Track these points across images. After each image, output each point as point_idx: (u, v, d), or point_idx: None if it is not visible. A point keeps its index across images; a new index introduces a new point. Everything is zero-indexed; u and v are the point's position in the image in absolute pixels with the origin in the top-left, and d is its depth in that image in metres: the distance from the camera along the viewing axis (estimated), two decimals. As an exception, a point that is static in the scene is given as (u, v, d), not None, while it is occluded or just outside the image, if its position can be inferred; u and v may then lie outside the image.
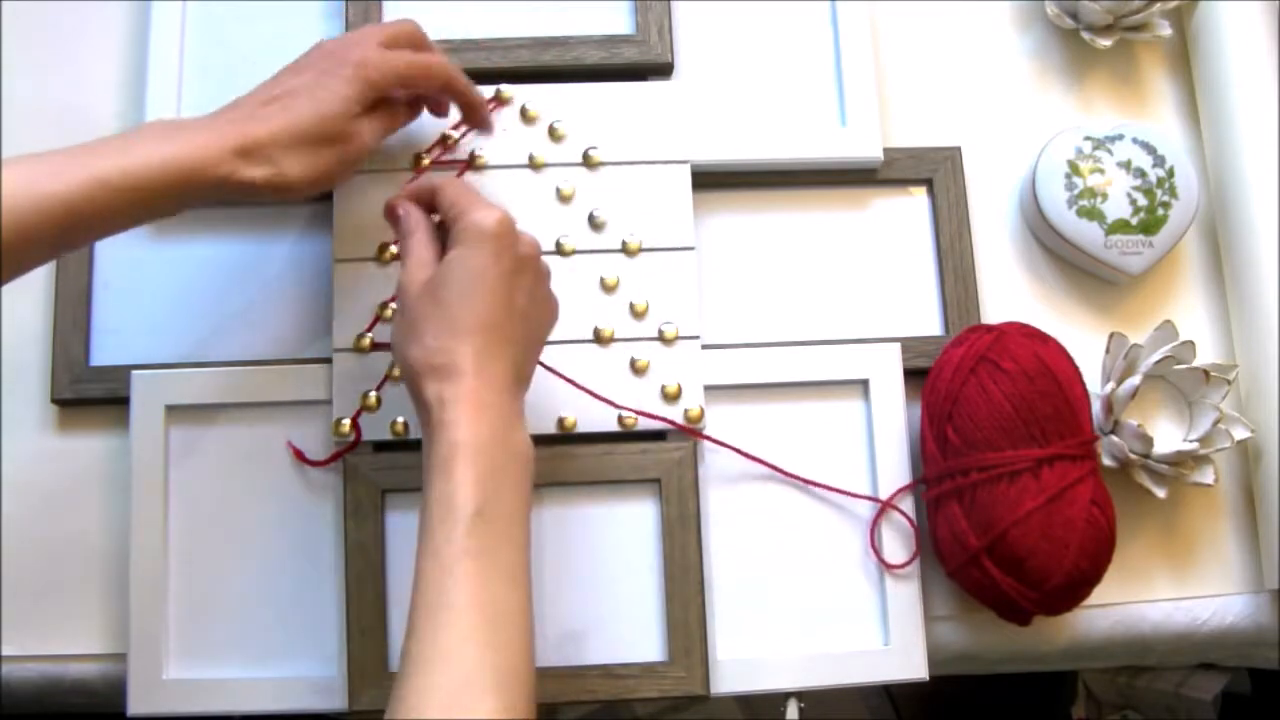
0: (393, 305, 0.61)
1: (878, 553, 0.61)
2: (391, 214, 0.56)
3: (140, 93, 0.66)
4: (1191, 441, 0.62)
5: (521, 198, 0.63)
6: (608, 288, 0.63)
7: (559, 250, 0.63)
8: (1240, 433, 0.62)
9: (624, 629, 0.60)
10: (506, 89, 0.65)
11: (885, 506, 0.62)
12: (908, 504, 0.62)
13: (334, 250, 0.62)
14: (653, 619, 0.60)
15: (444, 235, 0.53)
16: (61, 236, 0.49)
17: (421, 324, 0.50)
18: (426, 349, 0.49)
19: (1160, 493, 0.61)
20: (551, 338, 0.61)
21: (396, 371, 0.61)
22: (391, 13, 0.67)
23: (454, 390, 0.48)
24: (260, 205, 0.63)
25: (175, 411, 0.62)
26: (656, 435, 0.62)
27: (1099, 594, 0.59)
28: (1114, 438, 0.61)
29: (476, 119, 0.62)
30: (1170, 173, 0.66)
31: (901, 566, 0.61)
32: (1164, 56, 0.72)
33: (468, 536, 0.46)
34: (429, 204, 0.55)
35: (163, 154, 0.50)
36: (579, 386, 0.60)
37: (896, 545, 0.62)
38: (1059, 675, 1.08)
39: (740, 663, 0.60)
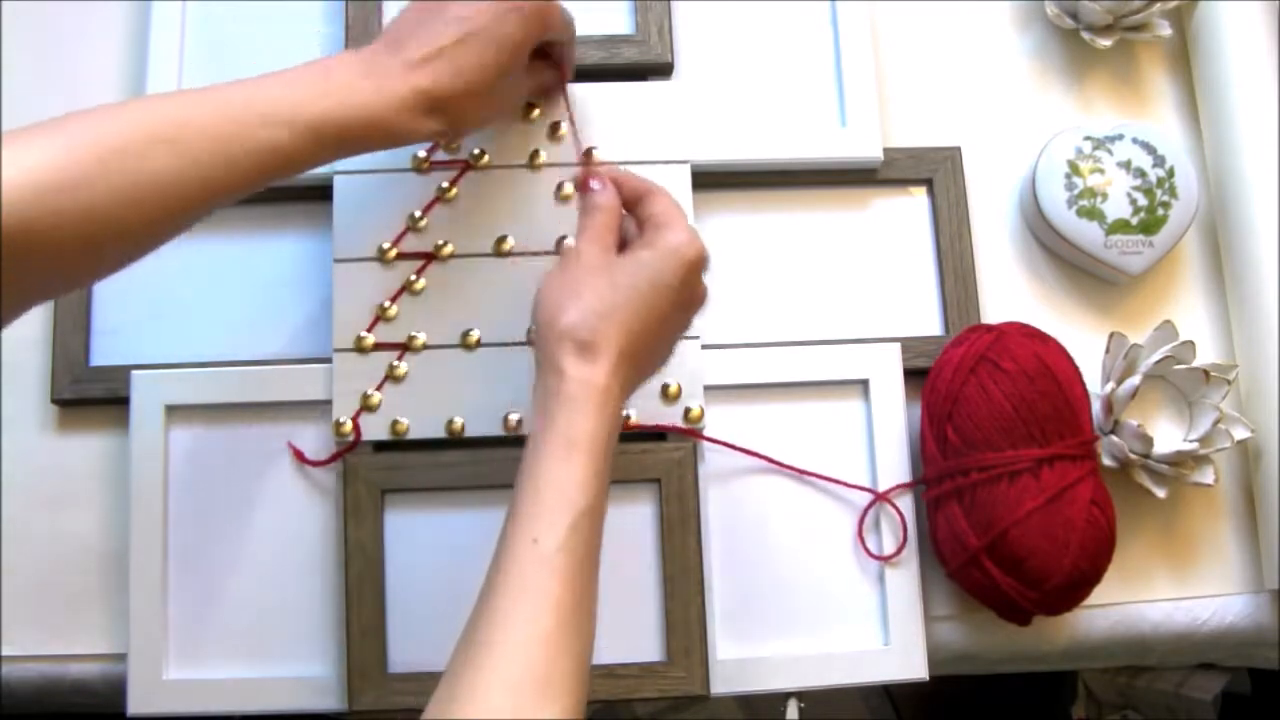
0: (393, 305, 0.61)
1: (864, 542, 0.61)
2: (586, 183, 0.55)
3: (140, 93, 0.66)
4: (1191, 441, 0.62)
5: (521, 198, 0.63)
6: (608, 288, 0.63)
7: (559, 250, 0.63)
8: (1240, 433, 0.62)
9: (624, 629, 0.60)
10: None
11: (879, 499, 0.62)
12: (906, 501, 0.62)
13: (334, 250, 0.62)
14: (652, 619, 0.60)
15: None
16: (269, 181, 0.50)
17: (588, 294, 0.50)
18: (583, 320, 0.49)
19: (1160, 493, 0.61)
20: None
21: (397, 371, 0.61)
22: (391, 13, 0.67)
23: (592, 373, 0.48)
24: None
25: (175, 411, 0.62)
26: (656, 435, 0.62)
27: (1099, 594, 0.59)
28: (1114, 438, 0.61)
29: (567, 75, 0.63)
30: (1170, 173, 0.66)
31: (888, 558, 0.61)
32: (1164, 56, 0.72)
33: (572, 532, 0.46)
34: (629, 200, 0.55)
35: (367, 109, 0.51)
36: None
37: (890, 540, 0.62)
38: (1059, 675, 1.08)
39: (740, 663, 0.60)
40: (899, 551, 0.61)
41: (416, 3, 0.55)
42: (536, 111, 0.64)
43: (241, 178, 0.48)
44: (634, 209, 0.54)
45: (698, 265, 0.51)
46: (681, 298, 0.51)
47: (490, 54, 0.53)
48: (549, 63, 0.61)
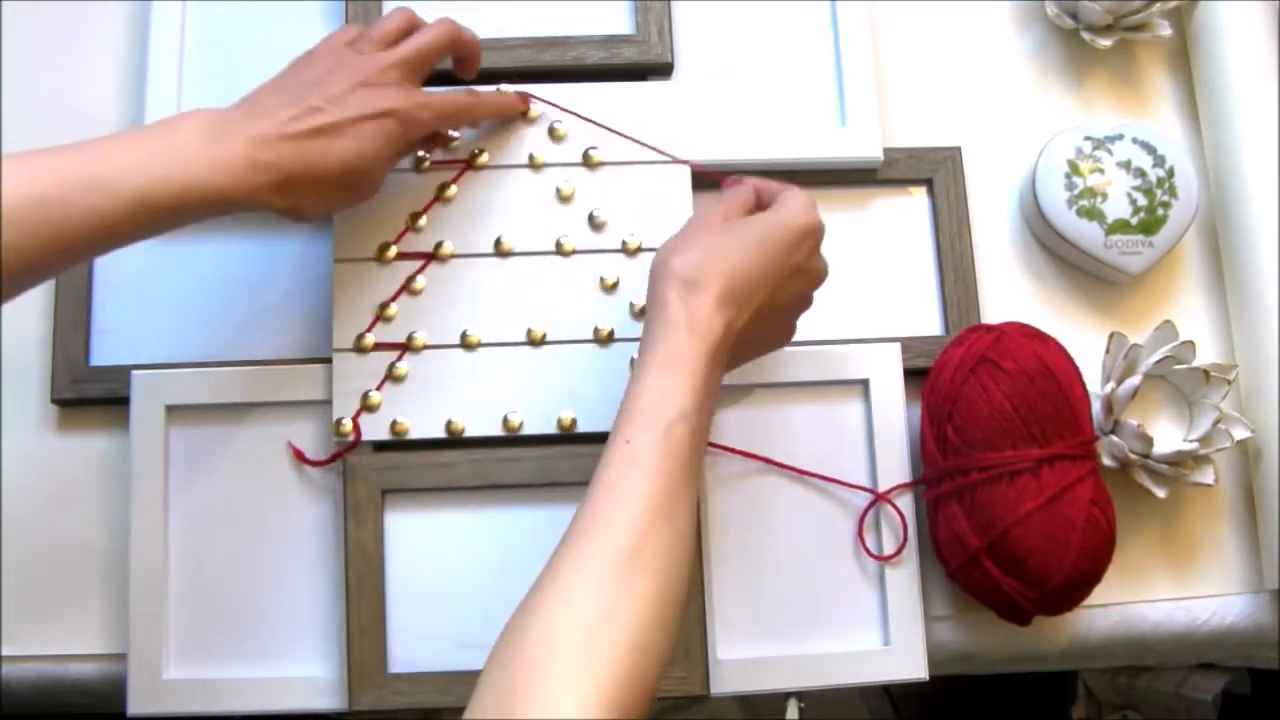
0: (393, 305, 0.62)
1: (864, 542, 0.61)
2: (734, 180, 0.57)
3: (140, 93, 0.66)
4: (1191, 441, 0.62)
5: (521, 198, 0.63)
6: (608, 288, 0.63)
7: (559, 250, 0.63)
8: (1240, 433, 0.62)
9: (624, 629, 0.60)
10: (506, 89, 0.65)
11: (879, 499, 0.62)
12: (906, 501, 0.62)
13: (334, 250, 0.62)
14: (653, 619, 0.60)
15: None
16: (97, 250, 0.49)
17: (696, 239, 0.52)
18: (689, 261, 0.51)
19: (1160, 493, 0.61)
20: (550, 338, 0.62)
21: (397, 371, 0.61)
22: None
23: (694, 304, 0.50)
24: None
25: (175, 411, 0.62)
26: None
27: (1099, 594, 0.59)
28: (1114, 438, 0.61)
29: (512, 115, 0.64)
30: (1170, 173, 0.66)
31: (888, 558, 0.61)
32: (1164, 56, 0.72)
33: (665, 435, 0.47)
34: (765, 200, 0.56)
35: (207, 179, 0.50)
36: None
37: (891, 540, 0.62)
38: (1059, 675, 1.08)
39: (740, 663, 0.60)
40: (899, 552, 0.61)
41: (278, 79, 0.55)
42: (535, 111, 0.64)
43: (60, 249, 0.47)
44: (767, 203, 0.55)
45: (809, 232, 0.53)
46: (792, 260, 0.52)
47: (342, 153, 0.53)
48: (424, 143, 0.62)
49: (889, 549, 0.61)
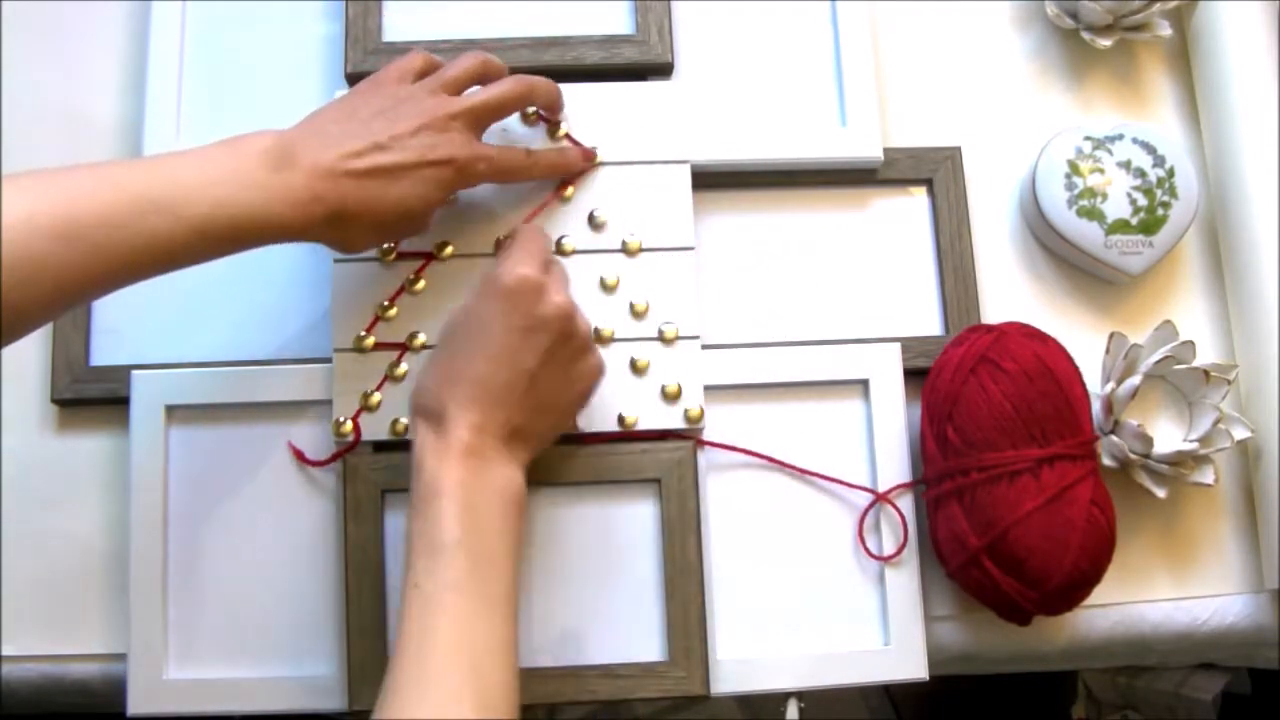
0: (393, 305, 0.62)
1: (864, 542, 0.61)
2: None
3: (140, 93, 0.66)
4: (1191, 441, 0.62)
5: (521, 197, 0.63)
6: (608, 288, 0.63)
7: (559, 250, 0.63)
8: (1240, 433, 0.62)
9: (624, 629, 0.60)
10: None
11: (879, 499, 0.62)
12: (906, 501, 0.62)
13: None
14: (653, 619, 0.60)
15: None
16: (154, 274, 0.49)
17: (431, 365, 0.52)
18: (423, 389, 0.52)
19: (1160, 493, 0.61)
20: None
21: (397, 371, 0.61)
22: (391, 13, 0.67)
23: (436, 435, 0.50)
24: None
25: (175, 411, 0.62)
26: (657, 435, 0.62)
27: (1099, 594, 0.59)
28: (1114, 438, 0.61)
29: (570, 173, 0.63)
30: (1170, 173, 0.66)
31: (889, 558, 0.61)
32: (1164, 56, 0.72)
33: (448, 568, 0.47)
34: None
35: (264, 210, 0.50)
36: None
37: (891, 540, 0.62)
38: (1059, 675, 1.08)
39: (740, 663, 0.60)
40: (899, 552, 0.61)
41: (346, 102, 0.55)
42: (570, 190, 0.64)
43: (127, 268, 0.47)
44: None
45: (516, 289, 0.51)
46: (515, 324, 0.51)
47: (397, 194, 0.53)
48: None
49: (889, 549, 0.61)
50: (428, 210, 0.56)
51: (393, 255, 0.62)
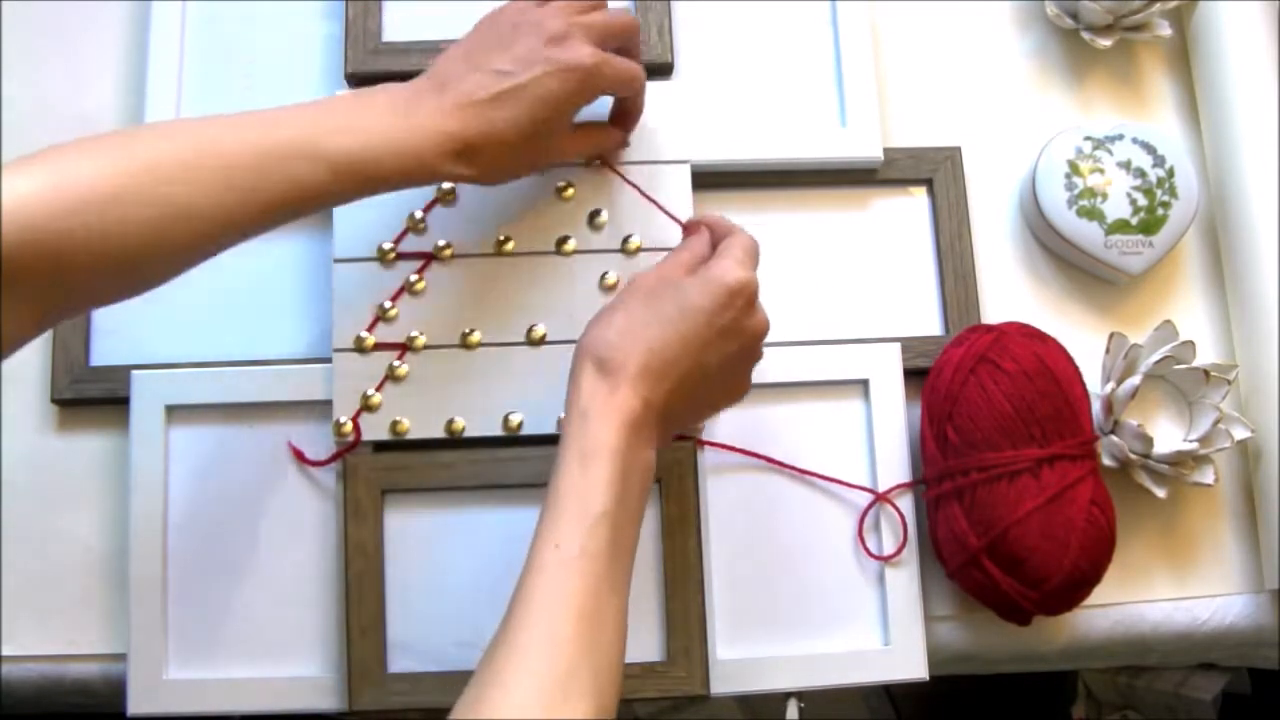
0: (393, 305, 0.62)
1: (864, 542, 0.61)
2: (692, 227, 0.58)
3: (140, 93, 0.66)
4: (1191, 441, 0.62)
5: (523, 197, 0.63)
6: (608, 288, 0.63)
7: (559, 250, 0.63)
8: (1240, 433, 0.62)
9: (624, 629, 0.60)
10: None
11: (879, 499, 0.62)
12: (906, 501, 0.62)
13: (334, 250, 0.62)
14: (653, 619, 0.60)
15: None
16: (297, 215, 0.50)
17: (615, 316, 0.52)
18: (603, 338, 0.51)
19: (1160, 493, 0.61)
20: (551, 338, 0.62)
21: (397, 371, 0.61)
22: (391, 13, 0.67)
23: (608, 390, 0.50)
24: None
25: (175, 411, 0.62)
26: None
27: (1099, 594, 0.59)
28: (1114, 438, 0.61)
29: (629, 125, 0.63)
30: (1170, 173, 0.66)
31: (888, 558, 0.61)
32: (1164, 56, 0.72)
33: (590, 536, 0.47)
34: (716, 240, 0.56)
35: (398, 146, 0.51)
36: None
37: (891, 540, 0.62)
38: (1059, 675, 1.08)
39: (740, 663, 0.60)
40: (899, 552, 0.61)
41: (465, 42, 0.56)
42: (570, 190, 0.63)
43: (265, 210, 0.49)
44: (719, 241, 0.55)
45: (737, 292, 0.51)
46: (717, 324, 0.51)
47: (524, 111, 0.53)
48: (606, 133, 0.61)
49: (889, 549, 0.61)
50: (557, 122, 0.55)
51: (393, 255, 0.62)
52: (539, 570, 0.47)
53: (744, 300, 0.52)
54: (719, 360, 0.52)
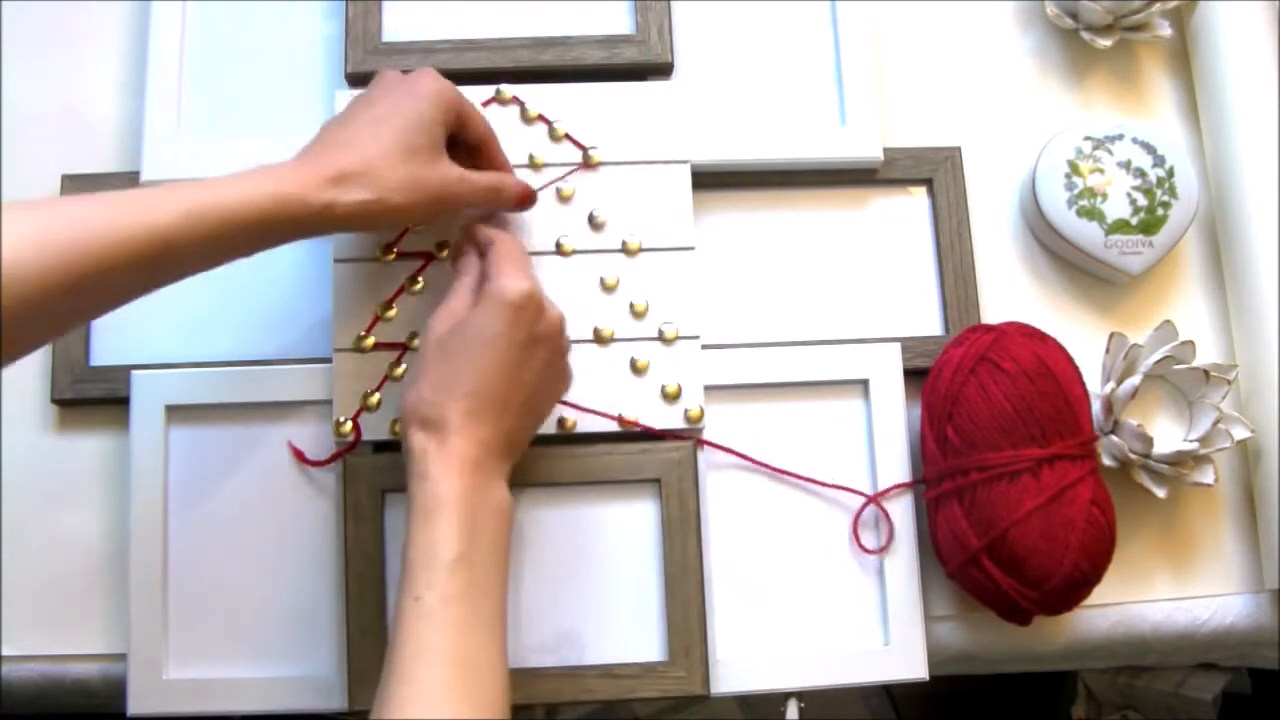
0: (393, 305, 0.62)
1: (859, 540, 0.62)
2: (456, 249, 0.57)
3: (140, 93, 0.66)
4: (1191, 441, 0.62)
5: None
6: (608, 288, 0.63)
7: (559, 250, 0.63)
8: (1240, 433, 0.62)
9: (624, 629, 0.60)
10: (506, 89, 0.65)
11: (870, 502, 0.62)
12: (906, 501, 0.62)
13: (334, 250, 0.62)
14: (653, 619, 0.60)
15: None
16: (154, 270, 0.48)
17: (425, 373, 0.51)
18: (421, 399, 0.51)
19: (1160, 493, 0.61)
20: (551, 338, 0.61)
21: (397, 371, 0.61)
22: (391, 13, 0.67)
23: (437, 445, 0.50)
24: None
25: (175, 411, 0.62)
26: (657, 435, 0.62)
27: (1099, 594, 0.59)
28: (1114, 438, 0.61)
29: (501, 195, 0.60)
30: (1170, 173, 0.66)
31: (877, 551, 0.61)
32: (1164, 56, 0.72)
33: (448, 582, 0.47)
34: (481, 254, 0.55)
35: (258, 187, 0.49)
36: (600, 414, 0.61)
37: (888, 538, 0.62)
38: (1059, 675, 1.08)
39: (740, 663, 0.60)
40: (886, 546, 0.61)
41: (335, 118, 0.56)
42: (570, 190, 0.63)
43: (117, 265, 0.46)
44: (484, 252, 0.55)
45: (522, 304, 0.51)
46: (517, 340, 0.51)
47: (386, 130, 0.53)
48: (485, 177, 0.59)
49: (880, 545, 0.61)
50: (433, 128, 0.55)
51: (393, 255, 0.62)
52: (405, 626, 0.47)
53: (532, 310, 0.52)
54: (532, 372, 0.52)
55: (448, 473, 0.49)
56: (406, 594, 0.48)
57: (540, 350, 0.52)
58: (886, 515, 0.62)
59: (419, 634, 0.46)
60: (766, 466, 0.62)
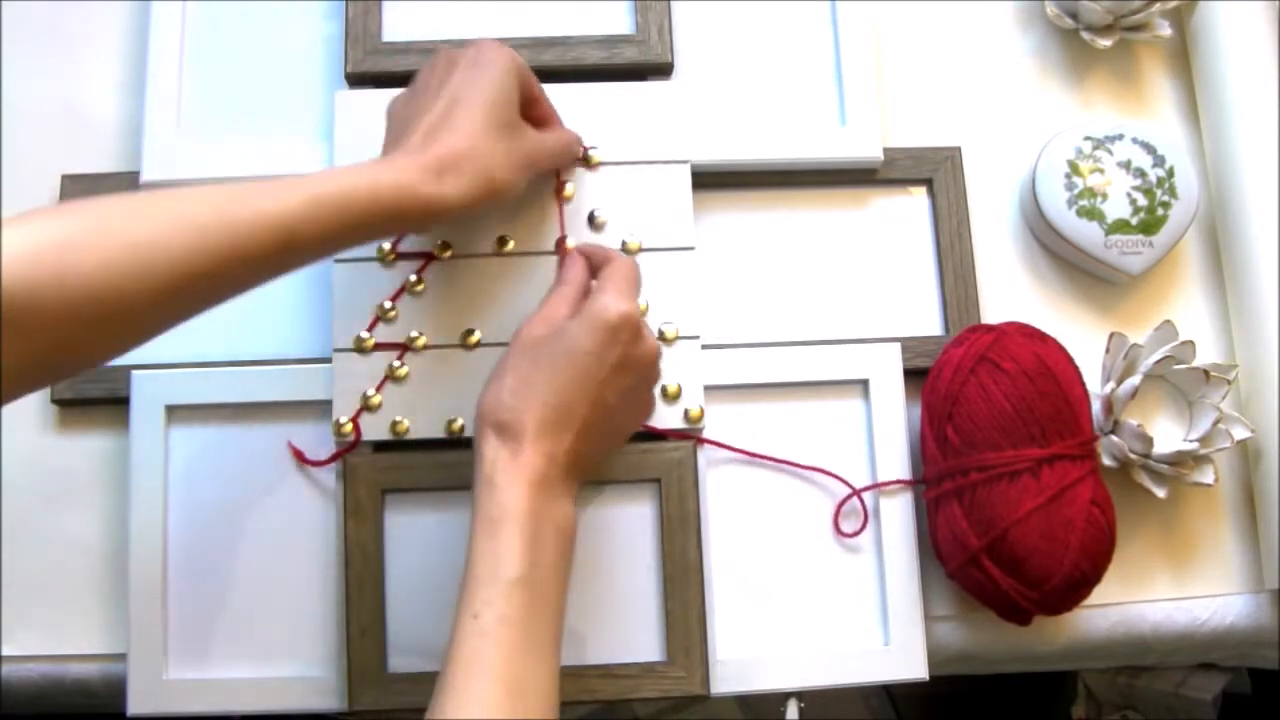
0: (393, 305, 0.62)
1: (838, 526, 0.62)
2: (562, 257, 0.58)
3: (140, 93, 0.66)
4: (1191, 441, 0.62)
5: (523, 197, 0.63)
6: (608, 288, 0.63)
7: (559, 250, 0.63)
8: (1240, 433, 0.62)
9: (624, 629, 0.60)
10: None
11: (854, 495, 0.62)
12: (906, 501, 0.62)
13: (334, 250, 0.62)
14: (653, 619, 0.60)
15: None
16: (280, 258, 0.48)
17: (509, 375, 0.51)
18: (500, 401, 0.51)
19: (1160, 493, 0.61)
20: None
21: (397, 371, 0.61)
22: (391, 13, 0.67)
23: (510, 455, 0.50)
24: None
25: (175, 411, 0.62)
26: (656, 435, 0.62)
27: (1099, 594, 0.59)
28: (1114, 438, 0.61)
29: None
30: (1170, 173, 0.66)
31: (851, 535, 0.62)
32: (1164, 56, 0.72)
33: (506, 603, 0.47)
34: (594, 270, 0.56)
35: (372, 177, 0.50)
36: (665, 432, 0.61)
37: (888, 534, 0.61)
38: (1059, 675, 1.08)
39: (740, 663, 0.60)
40: (860, 530, 0.62)
41: (399, 95, 0.57)
42: (570, 190, 0.64)
43: (247, 252, 0.47)
44: (597, 269, 0.55)
45: (620, 326, 0.51)
46: (607, 360, 0.51)
47: (476, 109, 0.53)
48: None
49: (887, 544, 0.61)
50: (512, 94, 0.55)
51: (393, 255, 0.62)
52: (461, 641, 0.47)
53: (628, 333, 0.51)
54: (616, 396, 0.52)
55: (515, 484, 0.49)
56: (465, 609, 0.48)
57: (628, 376, 0.52)
58: (863, 503, 0.62)
59: (473, 651, 0.47)
60: (764, 458, 0.62)
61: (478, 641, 0.47)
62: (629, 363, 0.52)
